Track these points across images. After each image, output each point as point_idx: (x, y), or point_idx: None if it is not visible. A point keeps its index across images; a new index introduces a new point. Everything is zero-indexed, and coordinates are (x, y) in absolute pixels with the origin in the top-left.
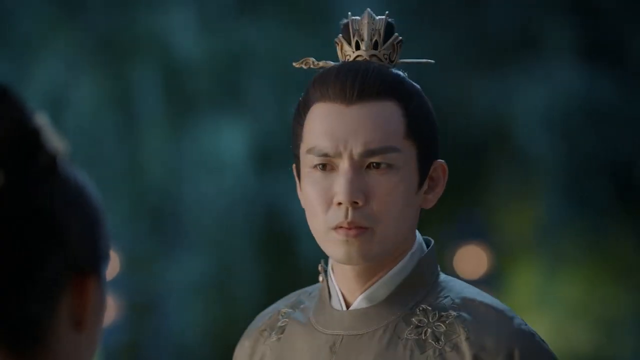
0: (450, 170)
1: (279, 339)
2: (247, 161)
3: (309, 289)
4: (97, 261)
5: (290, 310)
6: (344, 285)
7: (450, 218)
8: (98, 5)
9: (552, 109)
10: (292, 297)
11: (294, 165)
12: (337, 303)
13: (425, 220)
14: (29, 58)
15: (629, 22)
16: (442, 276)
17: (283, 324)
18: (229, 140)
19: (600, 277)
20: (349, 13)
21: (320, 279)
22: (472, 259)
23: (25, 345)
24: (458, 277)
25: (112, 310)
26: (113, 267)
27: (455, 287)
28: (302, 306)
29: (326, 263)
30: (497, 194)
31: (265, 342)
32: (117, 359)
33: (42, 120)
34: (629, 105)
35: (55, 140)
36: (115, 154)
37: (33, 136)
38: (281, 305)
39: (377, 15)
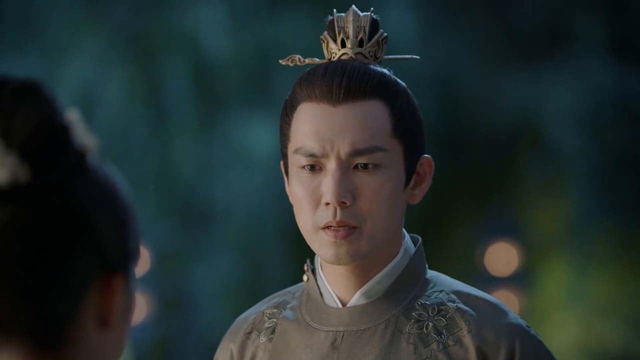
0: (480, 167)
1: (270, 339)
2: (278, 158)
3: (291, 289)
4: (126, 260)
5: (275, 310)
6: (336, 283)
7: (481, 215)
8: (128, 2)
9: (583, 105)
10: (273, 298)
11: (282, 162)
12: (332, 301)
13: (456, 218)
14: (59, 55)
15: None
16: (430, 272)
17: (271, 325)
18: (259, 137)
19: (630, 275)
20: (334, 10)
21: (305, 278)
22: (502, 256)
23: (50, 342)
24: (489, 274)
25: (142, 307)
26: (143, 264)
27: (446, 282)
28: (289, 306)
29: (312, 262)
30: (528, 190)
31: (254, 343)
32: (147, 355)
33: (72, 116)
34: None
35: (86, 137)
36: (145, 150)
37: (62, 133)
38: (263, 307)
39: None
